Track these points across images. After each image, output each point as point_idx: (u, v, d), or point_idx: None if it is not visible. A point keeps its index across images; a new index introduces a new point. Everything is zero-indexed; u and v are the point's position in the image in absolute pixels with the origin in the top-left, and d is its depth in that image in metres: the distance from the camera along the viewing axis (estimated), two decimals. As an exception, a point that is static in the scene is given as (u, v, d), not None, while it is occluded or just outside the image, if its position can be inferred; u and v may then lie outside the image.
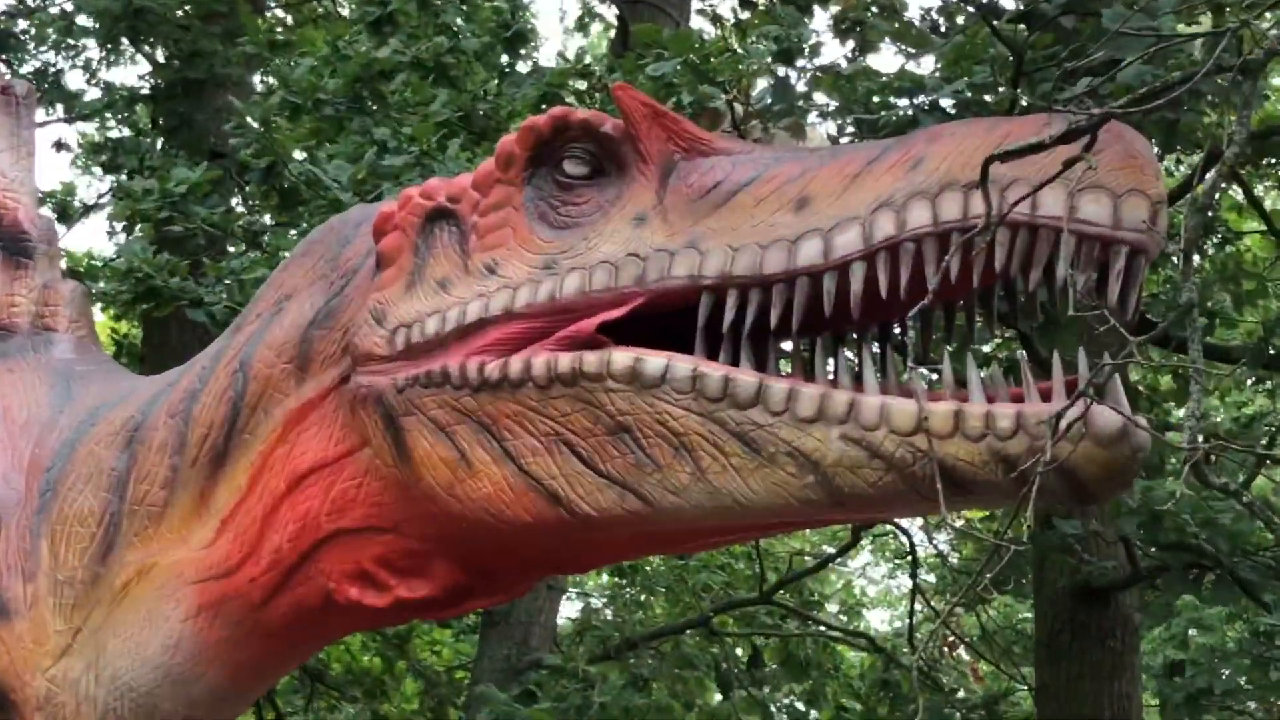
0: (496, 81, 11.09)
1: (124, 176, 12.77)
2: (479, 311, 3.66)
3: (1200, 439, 3.14)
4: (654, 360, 3.45)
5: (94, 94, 15.92)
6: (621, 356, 3.48)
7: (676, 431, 3.43)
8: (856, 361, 3.49)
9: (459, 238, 3.77)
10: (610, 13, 18.52)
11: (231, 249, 11.35)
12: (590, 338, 3.54)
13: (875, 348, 3.67)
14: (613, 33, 19.13)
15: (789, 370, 3.51)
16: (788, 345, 3.57)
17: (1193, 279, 3.23)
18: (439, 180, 3.94)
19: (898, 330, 3.65)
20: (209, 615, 3.96)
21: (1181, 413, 13.28)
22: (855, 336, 3.60)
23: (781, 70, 9.77)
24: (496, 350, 3.61)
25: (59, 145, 16.67)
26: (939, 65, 9.55)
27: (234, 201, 13.11)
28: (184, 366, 4.29)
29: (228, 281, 9.85)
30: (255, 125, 10.43)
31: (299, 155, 10.78)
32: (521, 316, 3.62)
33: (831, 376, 3.45)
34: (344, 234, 4.07)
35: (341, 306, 3.91)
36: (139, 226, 10.64)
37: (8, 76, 5.01)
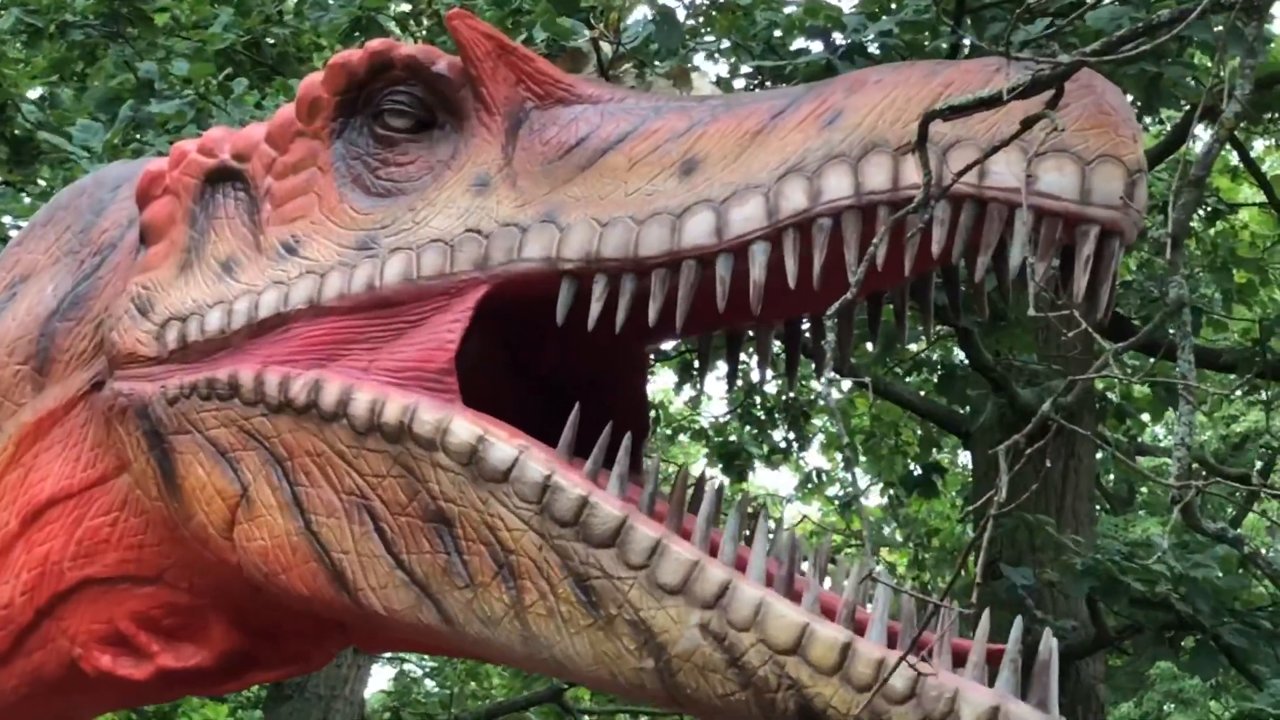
0: (295, 0, 11.01)
1: None
2: (276, 304, 3.61)
3: (1192, 473, 3.13)
4: (503, 448, 3.41)
5: None
6: (464, 429, 3.44)
7: (506, 546, 3.39)
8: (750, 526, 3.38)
9: (248, 206, 3.73)
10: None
11: None
12: (440, 372, 3.50)
13: (780, 347, 3.67)
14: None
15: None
16: (668, 345, 3.57)
17: (1182, 271, 3.20)
18: (222, 130, 3.90)
19: (809, 330, 3.65)
20: (-85, 690, 3.91)
21: (1160, 430, 13.45)
22: (754, 336, 3.61)
23: None
24: (304, 359, 3.57)
25: None
26: None
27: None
28: None
29: None
30: None
31: (35, 95, 10.66)
32: (331, 312, 3.58)
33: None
34: (98, 199, 4.02)
35: (94, 291, 3.86)
36: None
37: None
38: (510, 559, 3.37)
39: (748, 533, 3.34)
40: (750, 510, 3.39)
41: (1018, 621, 3.21)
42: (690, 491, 3.47)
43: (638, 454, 3.43)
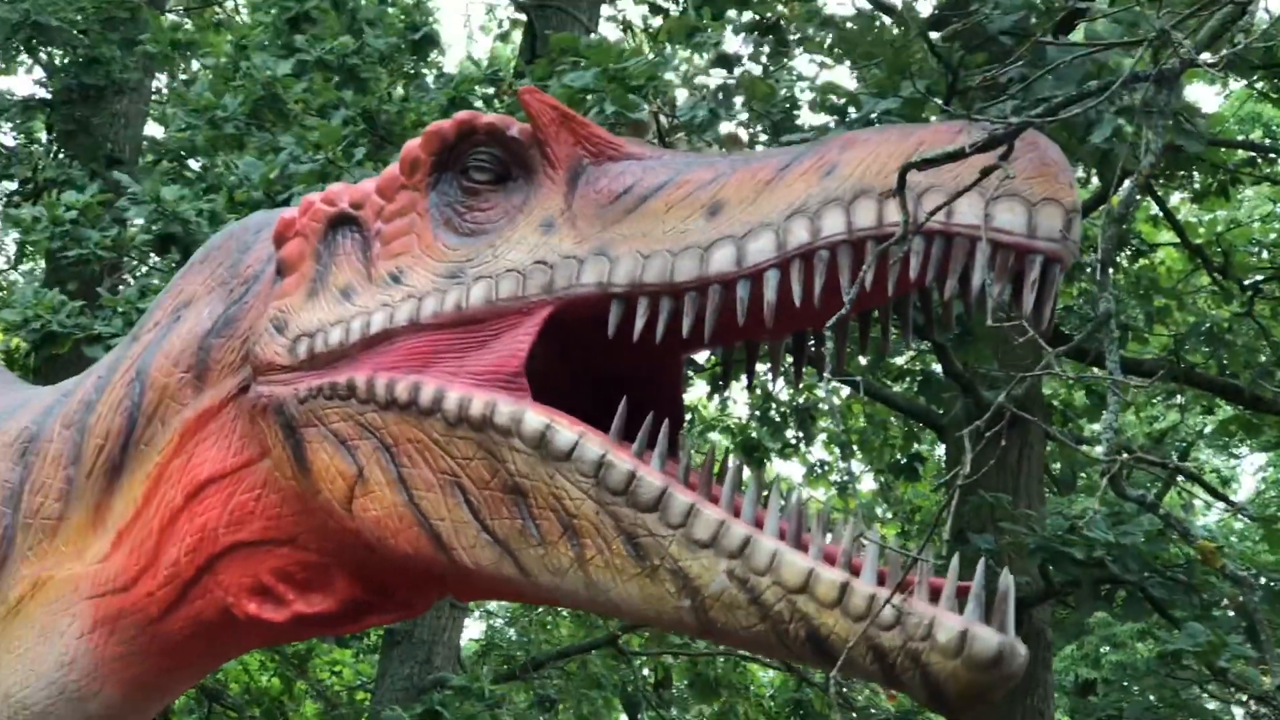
0: (403, 86, 11.04)
1: (14, 185, 12.68)
2: (384, 322, 3.63)
3: (1117, 452, 3.14)
4: (565, 433, 3.42)
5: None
6: (534, 419, 3.45)
7: (570, 512, 3.41)
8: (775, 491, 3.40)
9: (362, 244, 3.74)
10: (506, 13, 18.56)
11: (129, 277, 11.24)
12: (512, 375, 3.51)
13: (789, 360, 3.67)
14: (517, 36, 19.18)
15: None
16: (700, 355, 3.57)
17: (1109, 290, 3.23)
18: (342, 185, 3.91)
19: (812, 342, 3.65)
20: (105, 631, 3.92)
21: (1096, 427, 13.43)
22: (768, 348, 3.61)
23: (707, 78, 9.78)
24: (406, 366, 3.59)
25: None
26: (862, 76, 9.54)
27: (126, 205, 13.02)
28: (80, 376, 4.25)
29: (121, 310, 9.77)
30: (147, 195, 10.21)
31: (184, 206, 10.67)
32: (428, 328, 3.59)
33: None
34: (244, 240, 4.04)
35: (241, 314, 3.88)
36: (30, 256, 10.56)
37: None
38: (573, 522, 3.39)
39: (764, 501, 3.35)
40: (765, 482, 3.40)
41: (980, 564, 3.23)
42: (716, 469, 3.47)
43: (674, 439, 3.43)
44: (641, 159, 3.61)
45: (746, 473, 3.48)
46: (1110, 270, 3.49)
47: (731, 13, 11.38)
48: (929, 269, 3.18)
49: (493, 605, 19.68)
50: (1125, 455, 3.00)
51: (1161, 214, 14.00)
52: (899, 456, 15.47)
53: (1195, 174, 12.51)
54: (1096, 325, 3.26)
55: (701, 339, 3.44)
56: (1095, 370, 10.55)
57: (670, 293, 3.40)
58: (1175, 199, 15.69)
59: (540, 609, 17.53)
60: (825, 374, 3.36)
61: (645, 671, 18.04)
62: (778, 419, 15.05)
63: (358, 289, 3.70)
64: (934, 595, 3.17)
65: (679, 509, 3.31)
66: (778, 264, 3.29)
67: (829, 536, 3.34)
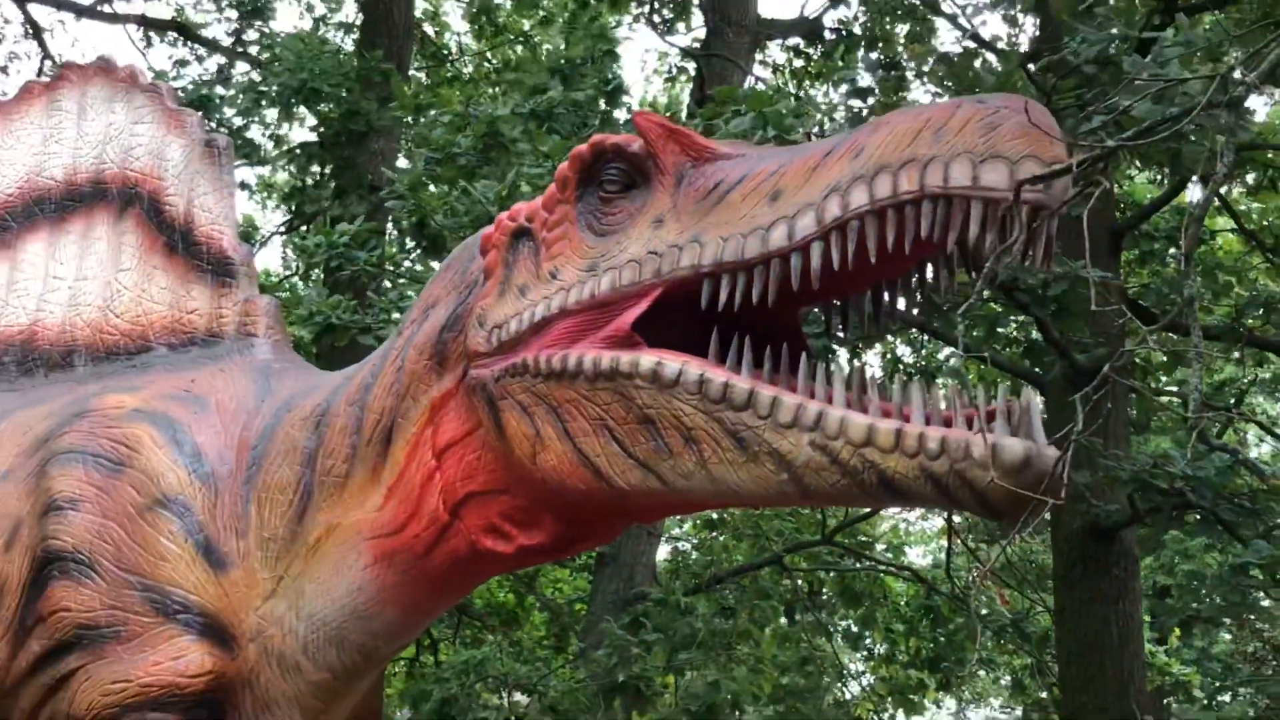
0: (598, 125, 11.16)
1: (302, 223, 13.06)
2: (544, 311, 3.65)
3: (1202, 409, 3.07)
4: (671, 364, 3.42)
5: (266, 143, 16.32)
6: (647, 360, 3.46)
7: (686, 425, 3.39)
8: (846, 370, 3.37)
9: (533, 250, 3.77)
10: (675, 60, 18.53)
11: (389, 284, 11.52)
12: (626, 335, 3.52)
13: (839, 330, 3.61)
14: (683, 79, 19.18)
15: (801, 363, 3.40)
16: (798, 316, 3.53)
17: (1192, 277, 3.15)
18: (523, 204, 3.94)
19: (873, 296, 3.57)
20: (384, 564, 3.97)
21: (1164, 378, 13.30)
22: (818, 310, 3.58)
23: (845, 107, 9.77)
24: (560, 343, 3.61)
25: (241, 186, 16.94)
26: None
27: (389, 229, 13.30)
28: (360, 364, 4.31)
29: (384, 307, 10.07)
30: (405, 192, 10.56)
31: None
32: (572, 313, 3.61)
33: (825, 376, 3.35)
34: (472, 251, 4.07)
35: (465, 313, 3.90)
36: (313, 274, 10.94)
37: (211, 133, 5.01)
38: (690, 432, 3.39)
39: (831, 381, 3.30)
40: (832, 370, 3.37)
41: (1002, 389, 3.18)
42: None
43: (759, 355, 3.41)
44: (729, 158, 3.57)
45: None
46: (1192, 260, 3.41)
47: (860, 51, 11.37)
48: (936, 228, 3.10)
49: (676, 531, 19.76)
50: (1209, 412, 2.94)
51: (1221, 205, 13.79)
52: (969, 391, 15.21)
53: (1250, 172, 12.27)
54: (1182, 307, 3.19)
55: (818, 295, 3.44)
56: (1173, 336, 10.39)
57: (743, 268, 3.37)
58: (1235, 192, 15.43)
59: (721, 533, 17.57)
60: (871, 325, 3.35)
61: (803, 584, 18.00)
62: (904, 378, 14.90)
63: (530, 286, 3.72)
64: (969, 423, 3.11)
65: (765, 402, 3.29)
66: (820, 236, 3.24)
67: (894, 398, 3.27)
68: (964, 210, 3.06)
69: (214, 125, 15.02)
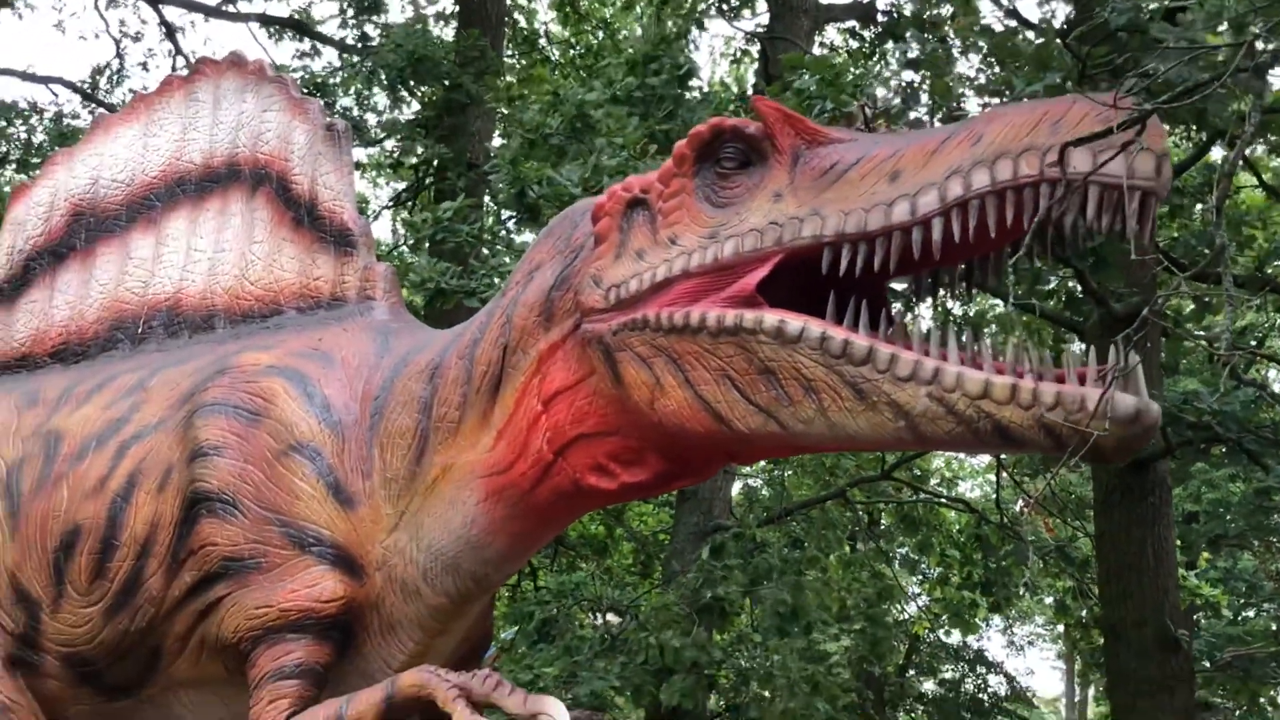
0: (674, 105, 11.14)
1: (409, 198, 13.18)
2: (665, 273, 3.64)
3: (1232, 349, 3.05)
4: (794, 323, 3.41)
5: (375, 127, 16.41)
6: (771, 318, 3.44)
7: (807, 377, 3.39)
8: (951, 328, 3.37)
9: (649, 219, 3.75)
10: (739, 44, 18.40)
11: (487, 252, 11.60)
12: (750, 295, 3.50)
13: (950, 303, 3.61)
14: (748, 60, 19.04)
15: (905, 321, 3.42)
16: (897, 285, 3.53)
17: (1222, 229, 3.12)
18: (634, 178, 3.91)
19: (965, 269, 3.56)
20: (494, 500, 3.98)
21: (1190, 325, 13.17)
22: (930, 280, 3.55)
23: (902, 77, 9.71)
24: (681, 301, 3.59)
25: (355, 165, 17.02)
26: (1012, 71, 9.35)
27: (486, 200, 13.35)
28: (467, 322, 4.32)
29: (485, 273, 10.15)
30: (505, 165, 10.66)
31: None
32: (695, 275, 3.59)
33: (931, 334, 3.35)
34: (573, 219, 4.07)
35: (572, 274, 3.89)
36: (422, 246, 11.11)
37: (331, 118, 5.04)
38: (811, 383, 3.38)
39: (945, 342, 3.30)
40: (945, 330, 3.37)
41: (1112, 350, 3.14)
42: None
43: (875, 317, 3.40)
44: (842, 142, 3.56)
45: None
46: (1223, 213, 3.36)
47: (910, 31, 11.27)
48: (1055, 209, 3.10)
49: (746, 470, 19.76)
50: (1239, 351, 2.91)
51: (1245, 163, 13.59)
52: (1050, 350, 15.13)
53: (1272, 133, 12.06)
54: (1214, 255, 3.14)
55: (904, 269, 3.43)
56: (1202, 285, 10.27)
57: (864, 239, 3.36)
58: (1259, 150, 15.20)
59: (789, 471, 17.54)
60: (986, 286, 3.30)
61: (863, 515, 17.97)
62: (955, 328, 14.79)
63: (648, 251, 3.71)
64: (1081, 380, 3.12)
65: (883, 358, 3.29)
66: (941, 213, 3.23)
67: (1001, 359, 3.26)
68: (1081, 194, 3.07)
69: (333, 111, 15.14)
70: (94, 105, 18.93)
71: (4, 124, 17.72)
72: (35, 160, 17.02)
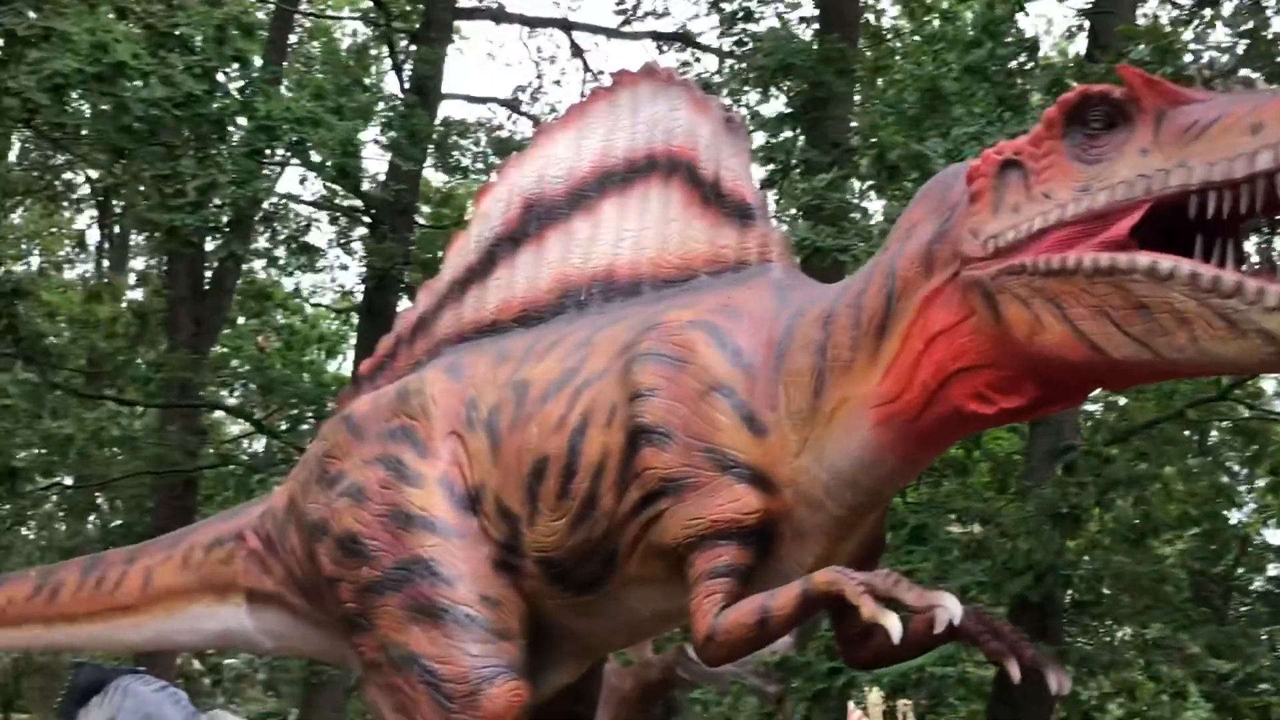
0: (1018, 78, 10.75)
1: (781, 175, 13.26)
2: (1042, 223, 3.49)
3: None
4: (1165, 262, 3.23)
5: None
6: (1144, 259, 3.27)
7: (1180, 311, 3.22)
8: None
9: (1023, 177, 3.60)
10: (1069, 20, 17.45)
11: (856, 215, 11.56)
12: (1123, 240, 3.33)
13: None
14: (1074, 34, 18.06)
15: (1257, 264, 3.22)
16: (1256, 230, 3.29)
17: None
18: (1005, 142, 3.77)
19: None
20: (884, 426, 3.95)
21: None
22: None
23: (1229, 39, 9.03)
24: (1056, 248, 3.44)
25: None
26: None
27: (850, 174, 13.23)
28: (851, 276, 4.28)
29: (855, 234, 10.14)
30: (866, 131, 10.59)
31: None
32: (1069, 224, 3.44)
33: None
34: (948, 182, 3.96)
35: (949, 229, 3.79)
36: (796, 213, 11.22)
37: (729, 111, 5.11)
38: (1184, 315, 3.21)
39: None
40: None
41: None
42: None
43: (1239, 256, 3.20)
44: (1201, 102, 3.33)
45: None
46: None
47: None
48: None
49: (1098, 395, 18.92)
50: None
51: None
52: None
53: None
54: None
55: (1253, 215, 3.18)
56: None
57: (1229, 186, 3.14)
58: None
59: (1123, 400, 16.71)
60: None
61: (1204, 432, 16.90)
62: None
63: (1022, 205, 3.56)
64: None
65: (1252, 291, 3.10)
66: None
67: None
68: None
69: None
70: (518, 118, 19.91)
71: (457, 137, 18.81)
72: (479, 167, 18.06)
